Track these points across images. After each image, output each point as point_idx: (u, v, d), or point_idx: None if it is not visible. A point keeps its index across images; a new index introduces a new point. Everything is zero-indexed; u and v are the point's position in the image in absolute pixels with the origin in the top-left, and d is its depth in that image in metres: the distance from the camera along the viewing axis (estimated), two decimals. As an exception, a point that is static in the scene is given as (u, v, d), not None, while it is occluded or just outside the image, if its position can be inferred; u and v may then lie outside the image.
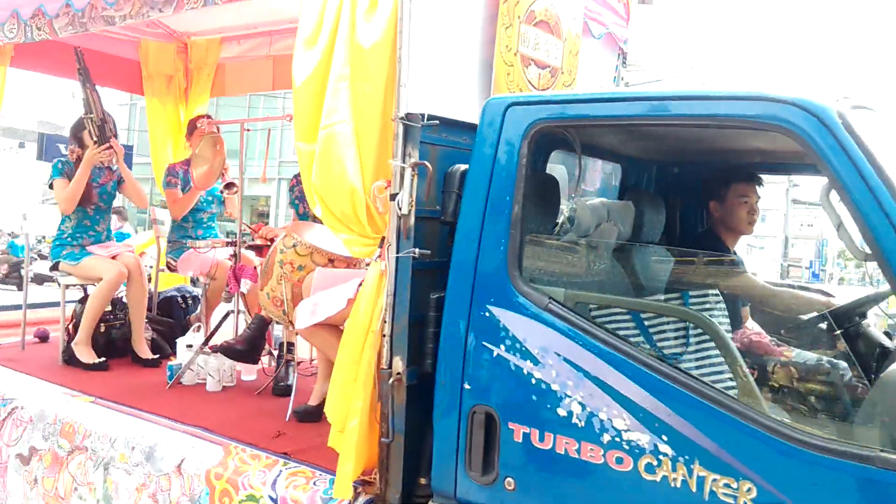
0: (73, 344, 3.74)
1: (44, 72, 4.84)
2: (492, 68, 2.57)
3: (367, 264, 2.52)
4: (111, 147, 3.80)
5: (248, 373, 3.64)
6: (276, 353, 3.63)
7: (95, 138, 3.79)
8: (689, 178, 3.03)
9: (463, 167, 2.19)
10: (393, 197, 2.16)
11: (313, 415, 2.92)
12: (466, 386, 2.01)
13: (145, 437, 2.71)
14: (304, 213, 3.87)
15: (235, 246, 3.58)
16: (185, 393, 3.37)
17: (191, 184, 4.32)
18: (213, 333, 3.60)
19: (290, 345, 3.46)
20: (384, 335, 2.17)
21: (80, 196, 3.82)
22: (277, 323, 3.14)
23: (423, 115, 2.13)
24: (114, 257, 3.87)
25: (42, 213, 4.84)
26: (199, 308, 4.24)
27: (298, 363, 3.50)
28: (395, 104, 2.16)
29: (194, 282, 4.37)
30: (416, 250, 2.12)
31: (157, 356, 3.88)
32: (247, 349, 3.41)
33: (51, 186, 3.90)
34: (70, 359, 3.75)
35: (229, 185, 4.16)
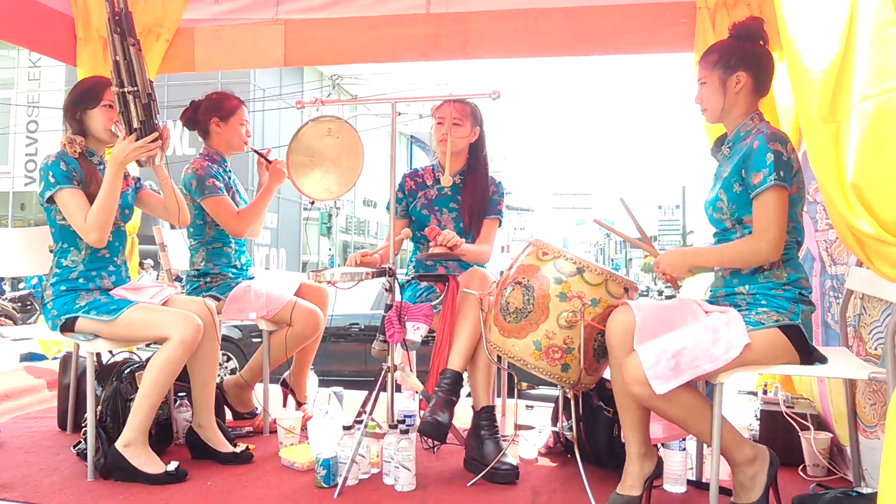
0: (120, 445, 2.38)
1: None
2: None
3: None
4: (159, 137, 2.48)
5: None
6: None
7: (138, 125, 2.44)
8: None
9: None
10: None
11: None
12: None
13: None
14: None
15: (392, 276, 2.49)
16: (370, 499, 2.26)
17: (236, 187, 3.09)
18: (368, 405, 2.48)
19: (492, 409, 2.51)
20: None
21: (114, 215, 2.46)
22: (547, 383, 2.20)
23: None
24: (165, 303, 2.55)
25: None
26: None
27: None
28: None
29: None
30: None
31: (246, 447, 2.64)
32: (448, 421, 2.40)
33: (50, 201, 2.46)
34: (113, 468, 2.39)
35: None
